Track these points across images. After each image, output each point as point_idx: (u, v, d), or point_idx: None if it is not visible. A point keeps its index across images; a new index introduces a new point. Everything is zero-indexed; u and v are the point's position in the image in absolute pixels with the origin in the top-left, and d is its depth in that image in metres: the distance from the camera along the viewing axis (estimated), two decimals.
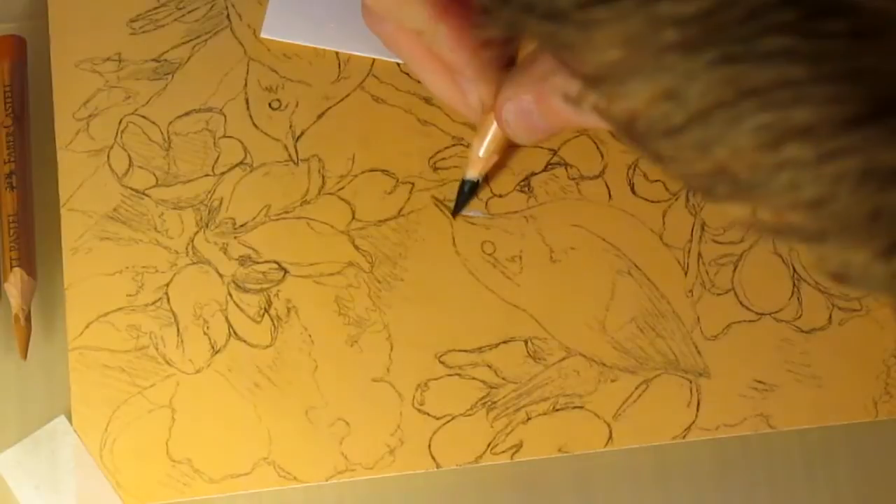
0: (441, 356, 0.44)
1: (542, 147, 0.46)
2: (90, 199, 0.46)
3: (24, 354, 0.44)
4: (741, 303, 0.46)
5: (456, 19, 0.35)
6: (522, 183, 0.46)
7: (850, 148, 0.23)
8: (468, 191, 0.45)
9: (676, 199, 0.46)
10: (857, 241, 0.24)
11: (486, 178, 0.46)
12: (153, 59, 0.47)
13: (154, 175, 0.46)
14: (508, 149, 0.44)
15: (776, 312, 0.45)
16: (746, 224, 0.26)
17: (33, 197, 0.45)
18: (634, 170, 0.47)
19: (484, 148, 0.42)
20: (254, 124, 0.47)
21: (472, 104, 0.38)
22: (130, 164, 0.46)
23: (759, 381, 0.45)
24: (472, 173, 0.44)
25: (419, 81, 0.46)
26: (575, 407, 0.44)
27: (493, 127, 0.41)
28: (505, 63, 0.38)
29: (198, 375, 0.44)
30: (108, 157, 0.46)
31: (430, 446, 0.44)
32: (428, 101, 0.47)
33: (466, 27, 0.35)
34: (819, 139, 0.23)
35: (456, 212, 0.46)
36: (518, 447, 0.44)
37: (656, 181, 0.47)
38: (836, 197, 0.23)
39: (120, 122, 0.46)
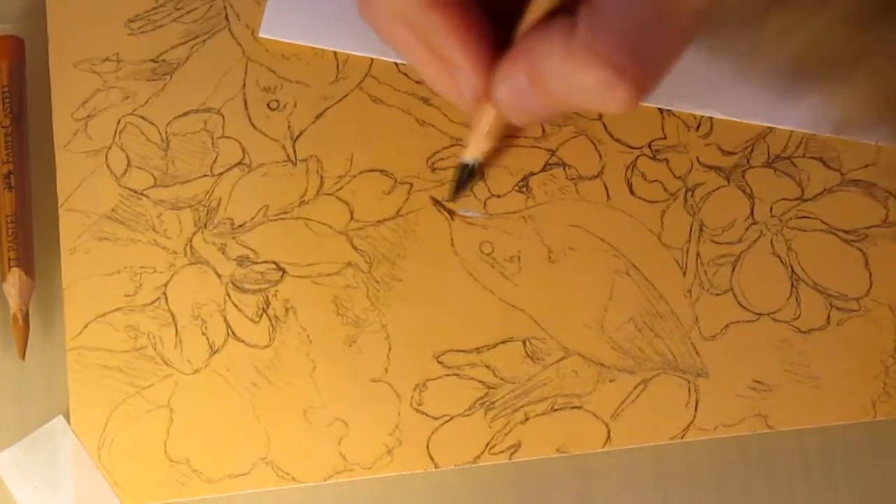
0: (439, 356, 0.44)
1: (540, 147, 0.47)
2: (88, 199, 0.46)
3: (23, 354, 0.44)
4: (739, 303, 0.46)
5: (449, 9, 0.35)
6: (521, 183, 0.46)
7: None
8: (466, 174, 0.44)
9: (675, 200, 0.46)
10: None
11: (484, 177, 0.46)
12: (151, 60, 0.47)
13: (152, 175, 0.46)
14: (506, 147, 0.44)
15: (774, 313, 0.46)
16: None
17: (32, 197, 0.45)
18: (633, 170, 0.47)
19: (481, 129, 0.41)
20: (252, 125, 0.47)
21: (466, 95, 0.38)
22: (129, 164, 0.46)
23: (758, 382, 0.45)
24: (469, 155, 0.43)
25: (418, 81, 0.47)
26: (573, 407, 0.44)
27: (491, 111, 0.40)
28: (499, 53, 0.38)
29: (196, 376, 0.44)
30: (107, 157, 0.46)
31: (428, 446, 0.44)
32: (426, 101, 0.47)
33: (459, 17, 0.35)
34: None
35: (454, 196, 0.45)
36: (516, 447, 0.44)
37: (655, 181, 0.47)
38: None
39: (118, 123, 0.46)
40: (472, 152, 0.43)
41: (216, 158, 0.46)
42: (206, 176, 0.46)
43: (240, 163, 0.46)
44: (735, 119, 0.47)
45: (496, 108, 0.39)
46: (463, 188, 0.44)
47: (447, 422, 0.44)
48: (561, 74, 0.33)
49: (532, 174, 0.46)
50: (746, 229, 0.46)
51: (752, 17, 0.22)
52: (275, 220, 0.46)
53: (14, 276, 0.44)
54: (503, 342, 0.45)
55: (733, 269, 0.46)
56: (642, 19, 0.32)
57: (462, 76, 0.37)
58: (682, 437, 0.44)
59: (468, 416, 0.44)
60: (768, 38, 0.23)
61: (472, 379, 0.44)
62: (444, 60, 0.37)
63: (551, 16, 0.34)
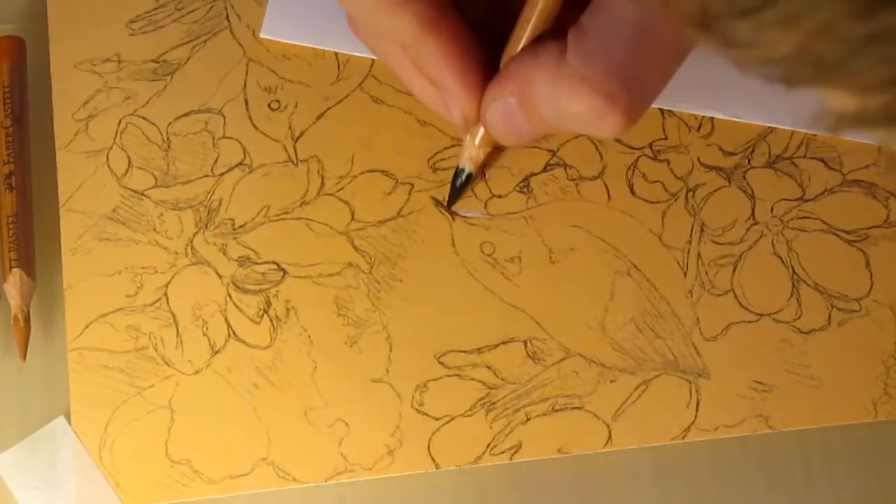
0: (440, 357, 0.44)
1: (541, 148, 0.46)
2: (89, 199, 0.46)
3: (24, 355, 0.44)
4: (740, 304, 0.46)
5: (443, 35, 0.35)
6: (522, 184, 0.46)
7: None
8: (461, 182, 0.44)
9: (676, 200, 0.46)
10: None
11: (485, 176, 0.46)
12: (152, 60, 0.47)
13: (153, 176, 0.46)
14: (503, 148, 0.44)
15: (775, 313, 0.45)
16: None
17: (32, 197, 0.45)
18: (633, 170, 0.47)
19: (478, 138, 0.41)
20: (253, 125, 0.47)
21: (455, 118, 0.38)
22: (130, 164, 0.46)
23: (759, 382, 0.45)
24: (465, 163, 0.43)
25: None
26: (574, 408, 0.44)
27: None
28: (489, 79, 0.38)
29: (197, 376, 0.44)
30: (108, 157, 0.46)
31: (429, 447, 0.44)
32: None
33: (452, 43, 0.35)
34: None
35: (450, 203, 0.45)
36: (517, 448, 0.44)
37: (656, 182, 0.47)
38: None
39: (119, 123, 0.46)
40: (467, 161, 0.43)
41: (217, 159, 0.46)
42: (207, 176, 0.46)
43: (241, 163, 0.46)
44: (736, 119, 0.47)
45: (486, 130, 0.39)
46: (460, 194, 0.44)
47: (448, 422, 0.44)
48: (551, 101, 0.33)
49: (533, 175, 0.46)
50: (747, 230, 0.46)
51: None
52: (276, 220, 0.46)
53: (15, 277, 0.44)
54: (504, 343, 0.45)
55: (734, 270, 0.46)
56: (632, 45, 0.32)
57: (452, 100, 0.37)
58: (683, 438, 0.44)
59: (469, 416, 0.44)
60: (769, 31, 0.23)
61: (473, 379, 0.44)
62: (435, 84, 0.37)
63: (539, 39, 0.34)
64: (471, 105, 0.37)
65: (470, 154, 0.42)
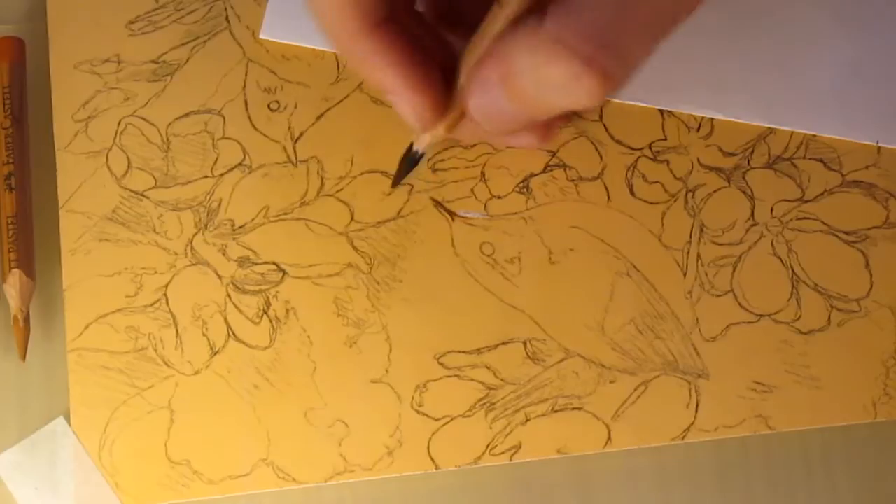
0: (440, 357, 0.44)
1: (541, 148, 0.47)
2: (89, 200, 0.46)
3: (23, 356, 0.44)
4: (740, 304, 0.46)
5: (384, 35, 0.34)
6: (521, 184, 0.46)
7: None
8: (411, 162, 0.41)
9: (675, 201, 0.46)
10: None
11: (485, 178, 0.46)
12: (152, 61, 0.47)
13: (153, 176, 0.46)
14: (458, 145, 0.42)
15: (775, 314, 0.46)
16: None
17: (32, 198, 0.45)
18: (633, 171, 0.47)
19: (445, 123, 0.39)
20: (253, 126, 0.47)
21: (411, 123, 0.37)
22: (129, 165, 0.46)
23: (759, 383, 0.45)
24: (420, 144, 0.40)
25: None
26: (574, 408, 0.44)
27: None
28: (439, 76, 0.36)
29: (197, 377, 0.44)
30: (107, 158, 0.46)
31: (428, 447, 0.44)
32: None
33: (395, 43, 0.35)
34: None
35: (394, 183, 0.42)
36: (517, 448, 0.44)
37: (655, 182, 0.47)
38: None
39: (119, 124, 0.46)
40: (422, 143, 0.40)
41: (217, 159, 0.46)
42: (206, 177, 0.46)
43: (240, 164, 0.46)
44: (736, 120, 0.47)
45: (470, 117, 0.38)
46: (405, 175, 0.41)
47: (448, 423, 0.44)
48: (530, 70, 0.32)
49: (533, 175, 0.46)
50: (747, 230, 0.46)
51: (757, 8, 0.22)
52: (275, 221, 0.46)
53: (14, 278, 0.44)
54: (504, 343, 0.45)
55: (734, 271, 0.46)
56: (611, 10, 0.31)
57: (403, 103, 0.36)
58: (683, 439, 0.44)
59: (469, 417, 0.44)
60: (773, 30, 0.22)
61: (472, 380, 0.44)
62: (381, 89, 0.36)
63: (519, 20, 0.33)
64: (424, 105, 0.36)
65: (424, 136, 0.40)
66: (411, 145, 0.40)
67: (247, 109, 0.47)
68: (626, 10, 0.31)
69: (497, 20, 0.34)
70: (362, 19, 0.34)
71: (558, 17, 0.31)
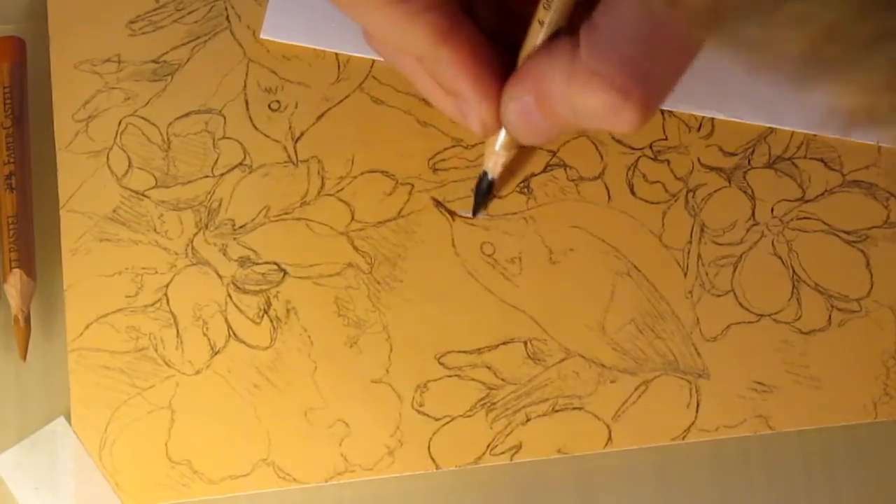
0: (440, 357, 0.44)
1: (541, 148, 0.46)
2: (90, 200, 0.46)
3: (24, 356, 0.44)
4: (741, 304, 0.46)
5: (458, 44, 0.35)
6: (522, 184, 0.46)
7: None
8: (485, 188, 0.41)
9: (676, 201, 0.46)
10: None
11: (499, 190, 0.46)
12: (152, 61, 0.47)
13: (153, 176, 0.46)
14: (526, 151, 0.43)
15: (775, 314, 0.46)
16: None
17: (33, 198, 0.45)
18: (634, 171, 0.47)
19: (500, 143, 0.40)
20: (253, 126, 0.47)
21: (475, 128, 0.38)
22: (130, 165, 0.46)
23: (759, 383, 0.45)
24: (489, 168, 0.40)
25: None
26: (574, 408, 0.44)
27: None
28: (500, 86, 0.37)
29: (197, 376, 0.44)
30: (108, 158, 0.46)
31: (429, 447, 0.44)
32: (427, 102, 0.46)
33: (468, 51, 0.35)
34: None
35: (475, 212, 0.43)
36: (517, 448, 0.44)
37: (656, 182, 0.47)
38: None
39: (119, 124, 0.46)
40: (490, 166, 0.41)
41: (217, 159, 0.46)
42: (207, 177, 0.46)
43: (241, 164, 0.46)
44: (736, 119, 0.47)
45: (505, 129, 0.38)
46: (484, 202, 0.43)
47: (448, 423, 0.44)
48: (565, 98, 0.33)
49: (533, 175, 0.46)
50: (747, 230, 0.46)
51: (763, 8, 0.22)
52: (276, 220, 0.46)
53: (15, 278, 0.44)
54: (504, 343, 0.45)
55: (734, 270, 0.46)
56: (644, 38, 0.32)
57: (470, 109, 0.37)
58: (684, 438, 0.44)
59: (469, 416, 0.44)
60: (779, 31, 0.22)
61: (473, 380, 0.44)
62: (452, 93, 0.37)
63: (554, 37, 0.34)
64: (489, 112, 0.37)
65: (493, 159, 0.41)
66: (484, 174, 0.40)
67: (247, 109, 0.47)
68: (659, 36, 0.32)
69: (532, 39, 0.34)
70: (434, 25, 0.35)
71: (593, 47, 0.32)
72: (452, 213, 0.46)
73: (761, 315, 0.45)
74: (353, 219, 0.46)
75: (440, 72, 0.36)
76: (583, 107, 0.33)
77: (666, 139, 0.47)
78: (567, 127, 0.36)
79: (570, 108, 0.33)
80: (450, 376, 0.44)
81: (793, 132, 0.47)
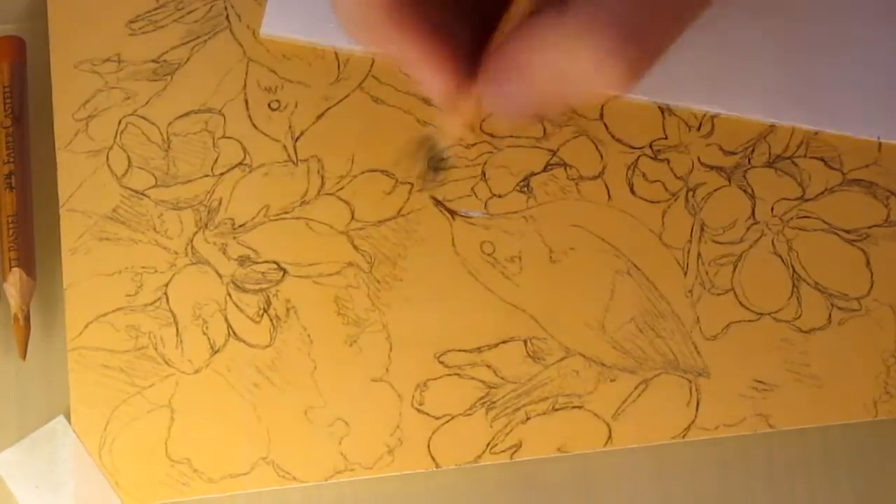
0: (440, 356, 0.44)
1: (541, 147, 0.47)
2: (89, 199, 0.46)
3: (24, 355, 0.44)
4: (741, 303, 0.46)
5: (409, 19, 0.35)
6: (522, 183, 0.46)
7: None
8: (438, 161, 0.38)
9: (676, 200, 0.46)
10: None
11: (485, 177, 0.46)
12: (152, 60, 0.47)
13: (153, 175, 0.46)
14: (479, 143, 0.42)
15: (776, 312, 0.45)
16: None
17: (32, 197, 0.45)
18: (634, 170, 0.47)
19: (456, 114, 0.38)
20: (253, 125, 0.47)
21: (433, 96, 0.37)
22: (130, 164, 0.46)
23: (759, 381, 0.45)
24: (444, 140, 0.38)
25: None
26: (574, 407, 0.44)
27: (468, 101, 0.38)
28: (465, 56, 0.36)
29: (197, 375, 0.44)
30: (108, 157, 0.46)
31: (429, 446, 0.44)
32: (427, 101, 0.47)
33: (419, 16, 0.35)
34: None
35: (424, 184, 0.42)
36: (517, 447, 0.44)
37: (656, 181, 0.47)
38: None
39: (119, 123, 0.46)
40: (446, 137, 0.39)
41: (217, 158, 0.46)
42: (207, 176, 0.46)
43: (241, 163, 0.46)
44: (737, 115, 0.47)
45: (483, 100, 0.37)
46: (436, 175, 0.41)
47: (448, 421, 0.44)
48: (551, 58, 0.32)
49: (533, 174, 0.46)
50: (747, 229, 0.46)
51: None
52: (276, 220, 0.46)
53: (15, 277, 0.44)
54: (504, 342, 0.45)
55: (734, 269, 0.46)
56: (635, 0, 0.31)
57: (430, 86, 0.36)
58: (684, 437, 0.44)
59: (469, 415, 0.44)
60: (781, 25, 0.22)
61: (473, 379, 0.44)
62: (410, 73, 0.36)
63: (539, 7, 0.33)
64: (450, 87, 0.36)
65: (448, 126, 0.37)
66: (434, 140, 0.38)
67: (247, 108, 0.47)
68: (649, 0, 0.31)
69: (520, 7, 0.34)
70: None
71: (580, 6, 0.31)
72: (452, 212, 0.46)
73: (761, 314, 0.45)
74: (352, 218, 0.46)
75: (394, 48, 0.35)
76: (569, 66, 0.32)
77: (666, 138, 0.47)
78: (546, 99, 0.35)
79: (556, 69, 0.33)
80: (449, 375, 0.44)
81: (793, 131, 0.47)
